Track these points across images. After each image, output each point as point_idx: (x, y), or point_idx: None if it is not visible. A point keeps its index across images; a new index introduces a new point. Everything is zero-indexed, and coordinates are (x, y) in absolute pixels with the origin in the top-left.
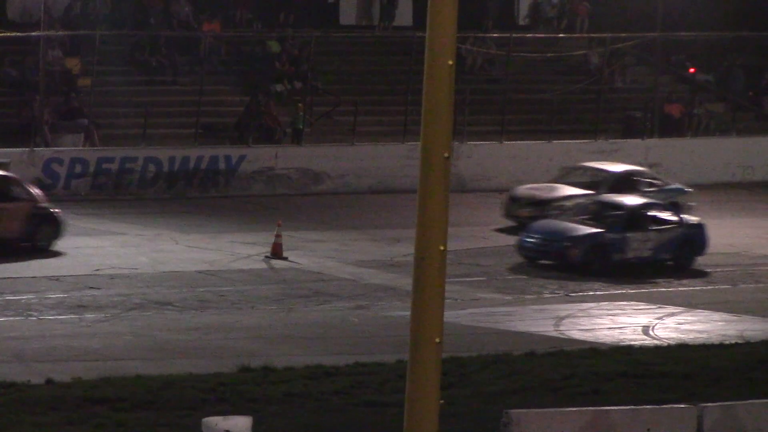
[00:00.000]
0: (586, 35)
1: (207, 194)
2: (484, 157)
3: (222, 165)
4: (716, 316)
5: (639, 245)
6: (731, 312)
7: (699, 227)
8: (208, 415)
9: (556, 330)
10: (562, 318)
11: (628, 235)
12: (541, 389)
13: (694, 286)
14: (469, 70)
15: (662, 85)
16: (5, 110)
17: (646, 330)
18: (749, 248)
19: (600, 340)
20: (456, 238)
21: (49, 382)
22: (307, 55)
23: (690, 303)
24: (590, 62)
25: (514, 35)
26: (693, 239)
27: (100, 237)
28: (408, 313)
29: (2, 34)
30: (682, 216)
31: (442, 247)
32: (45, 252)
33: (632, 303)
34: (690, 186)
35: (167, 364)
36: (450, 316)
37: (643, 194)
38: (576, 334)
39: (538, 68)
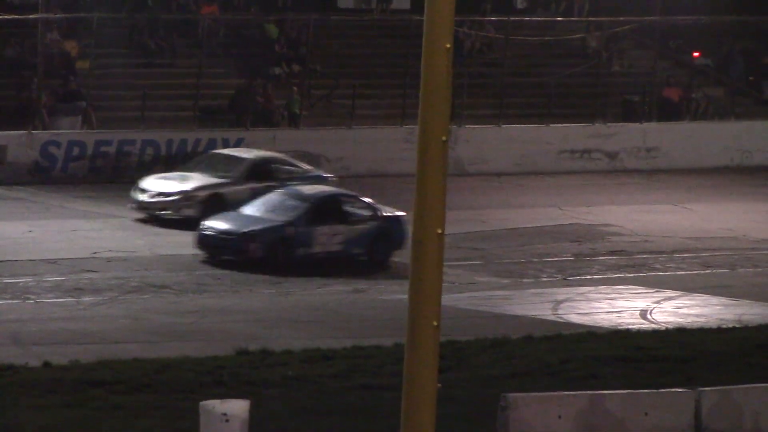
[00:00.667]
0: (584, 19)
1: None
2: (482, 140)
3: (220, 148)
4: (714, 300)
5: (327, 239)
6: (729, 296)
7: (396, 220)
8: (206, 398)
9: (554, 314)
10: (560, 302)
11: (315, 228)
12: (538, 373)
13: (691, 270)
14: (467, 53)
15: (661, 69)
16: (3, 93)
17: (643, 314)
18: (747, 232)
19: (598, 324)
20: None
21: (46, 364)
22: (306, 38)
23: (688, 287)
24: (588, 46)
25: (512, 19)
26: (389, 233)
27: (97, 220)
28: (406, 296)
29: (0, 17)
30: (377, 208)
31: (439, 231)
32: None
33: (630, 287)
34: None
35: (164, 347)
36: (448, 299)
37: (281, 181)
38: (574, 318)
39: (536, 52)
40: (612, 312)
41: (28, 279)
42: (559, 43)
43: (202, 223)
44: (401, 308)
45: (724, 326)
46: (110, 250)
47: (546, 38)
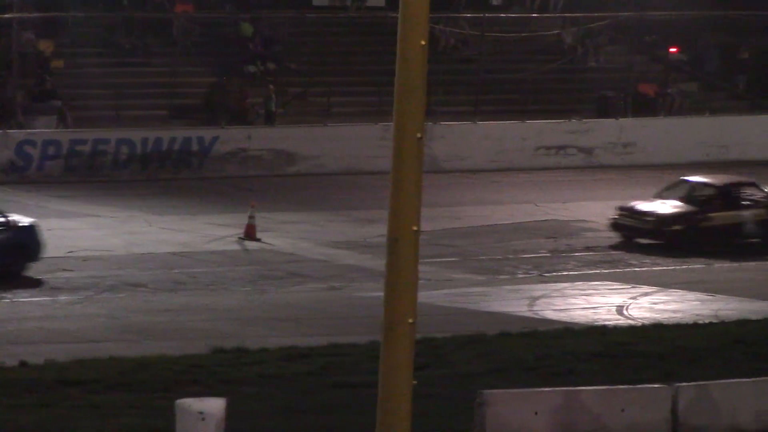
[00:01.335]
0: (559, 15)
1: (180, 176)
2: (458, 137)
3: (195, 146)
4: (691, 295)
5: None
6: (706, 292)
7: (29, 230)
8: (182, 397)
9: (531, 310)
10: (537, 298)
11: None
12: (515, 369)
13: (667, 266)
14: (443, 50)
15: (636, 64)
16: None
17: (620, 310)
18: None
19: (574, 320)
20: (429, 219)
21: (23, 364)
22: (280, 36)
23: (664, 282)
24: (564, 42)
25: (487, 15)
26: (23, 243)
27: (73, 219)
28: (382, 293)
29: None
30: (9, 217)
31: (415, 228)
32: None
33: (606, 283)
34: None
35: (141, 345)
36: (424, 296)
37: None
38: (550, 314)
39: (511, 48)
40: (588, 308)
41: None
42: (535, 40)
43: None
44: (377, 305)
45: (701, 322)
46: (86, 249)
47: (521, 34)
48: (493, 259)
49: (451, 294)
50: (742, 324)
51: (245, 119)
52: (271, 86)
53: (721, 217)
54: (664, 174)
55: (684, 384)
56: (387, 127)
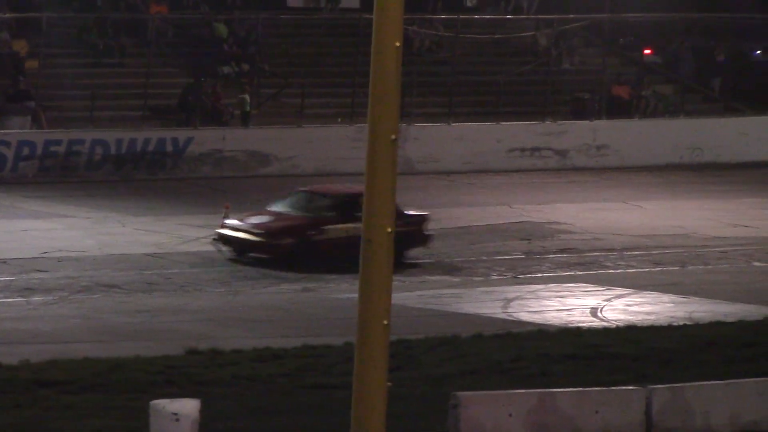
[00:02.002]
0: (533, 17)
1: (154, 177)
2: (432, 139)
3: (169, 147)
4: (665, 297)
5: None
6: (680, 294)
7: None
8: (156, 398)
9: (504, 312)
10: (511, 300)
11: None
12: (489, 371)
13: (642, 268)
14: (417, 52)
15: (610, 66)
16: None
17: (594, 312)
18: (698, 230)
19: (548, 322)
20: None
21: None
22: (255, 37)
23: (638, 285)
24: (538, 44)
25: (461, 17)
26: None
27: (47, 220)
28: (356, 295)
29: None
30: None
31: (389, 230)
32: None
33: (580, 285)
34: (638, 168)
35: (115, 346)
36: (398, 298)
37: None
38: (524, 316)
39: (485, 50)
40: (562, 310)
41: None
42: (509, 41)
43: None
44: (351, 307)
45: (675, 324)
46: (60, 250)
47: (495, 36)
48: (467, 261)
49: (425, 296)
50: (716, 326)
51: (220, 120)
52: (247, 87)
53: (336, 230)
54: (638, 176)
55: (658, 386)
56: (361, 128)
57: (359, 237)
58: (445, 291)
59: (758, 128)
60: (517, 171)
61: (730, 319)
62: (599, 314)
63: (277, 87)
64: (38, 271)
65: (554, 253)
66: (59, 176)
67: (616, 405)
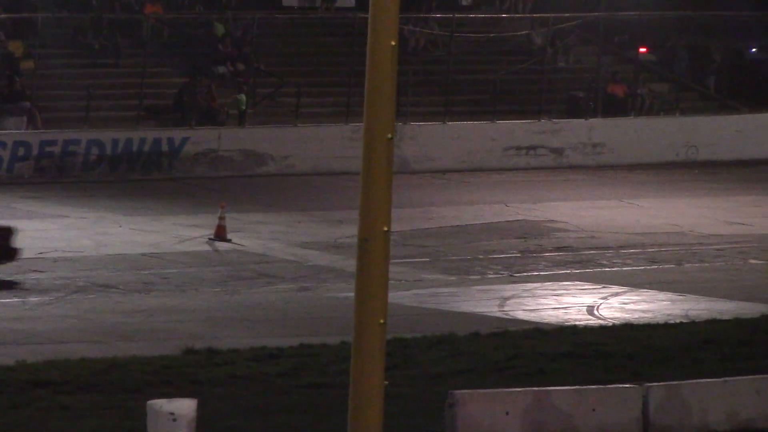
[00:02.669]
0: (529, 15)
1: (150, 177)
2: (428, 138)
3: (165, 147)
4: (661, 295)
5: None
6: (676, 292)
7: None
8: (153, 398)
9: (501, 310)
10: (507, 298)
11: None
12: (485, 370)
13: (638, 266)
14: (412, 51)
15: (606, 65)
16: None
17: (590, 310)
18: (694, 228)
19: (545, 321)
20: (399, 220)
21: None
22: (250, 37)
23: (634, 283)
24: (533, 42)
25: (456, 16)
26: None
27: (43, 220)
28: (352, 294)
29: None
30: None
31: (385, 228)
32: None
33: (577, 283)
34: (634, 166)
35: (111, 346)
36: (394, 297)
37: None
38: (521, 315)
39: (481, 49)
40: (559, 308)
41: None
42: (504, 40)
43: None
44: (348, 306)
45: (671, 322)
46: (56, 250)
47: (491, 35)
48: (463, 260)
49: (421, 294)
50: (712, 324)
51: (215, 120)
52: (243, 87)
53: None
54: (633, 174)
55: (654, 384)
56: (357, 127)
57: None
58: (441, 289)
59: (754, 126)
60: (513, 169)
61: (726, 317)
62: (596, 312)
63: (273, 87)
64: (34, 271)
65: (550, 251)
66: (55, 176)
67: (612, 403)
